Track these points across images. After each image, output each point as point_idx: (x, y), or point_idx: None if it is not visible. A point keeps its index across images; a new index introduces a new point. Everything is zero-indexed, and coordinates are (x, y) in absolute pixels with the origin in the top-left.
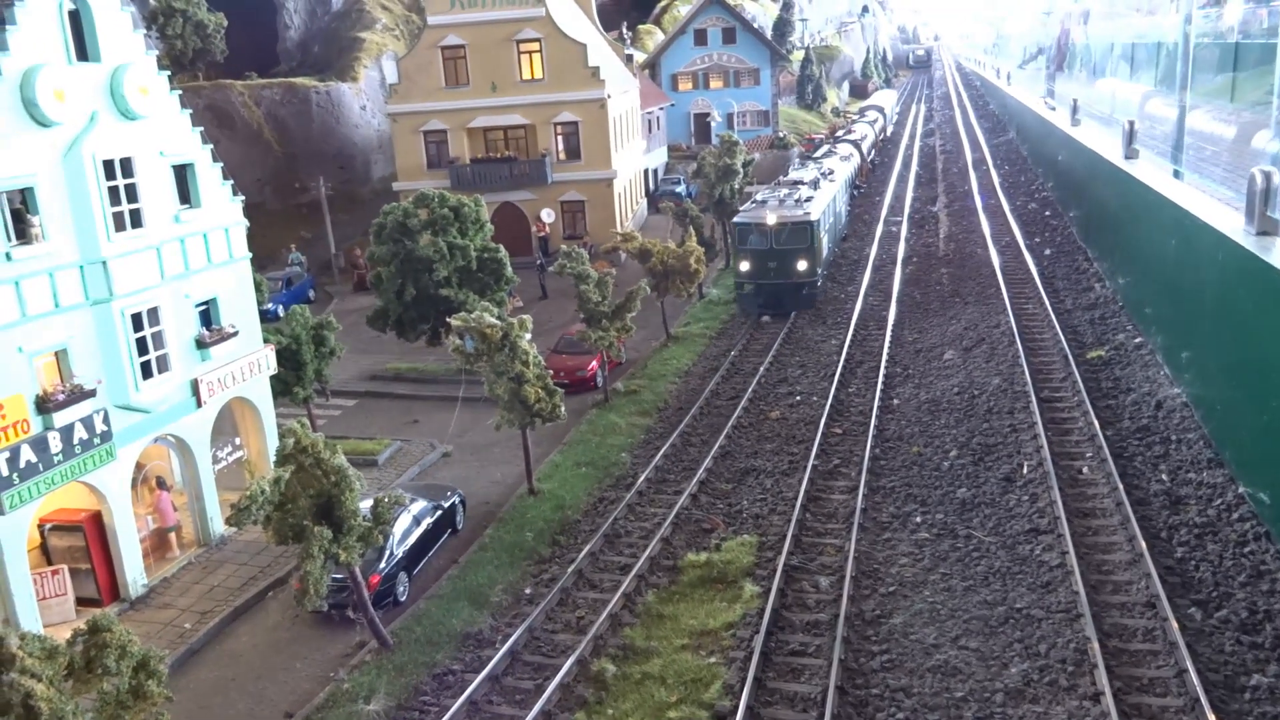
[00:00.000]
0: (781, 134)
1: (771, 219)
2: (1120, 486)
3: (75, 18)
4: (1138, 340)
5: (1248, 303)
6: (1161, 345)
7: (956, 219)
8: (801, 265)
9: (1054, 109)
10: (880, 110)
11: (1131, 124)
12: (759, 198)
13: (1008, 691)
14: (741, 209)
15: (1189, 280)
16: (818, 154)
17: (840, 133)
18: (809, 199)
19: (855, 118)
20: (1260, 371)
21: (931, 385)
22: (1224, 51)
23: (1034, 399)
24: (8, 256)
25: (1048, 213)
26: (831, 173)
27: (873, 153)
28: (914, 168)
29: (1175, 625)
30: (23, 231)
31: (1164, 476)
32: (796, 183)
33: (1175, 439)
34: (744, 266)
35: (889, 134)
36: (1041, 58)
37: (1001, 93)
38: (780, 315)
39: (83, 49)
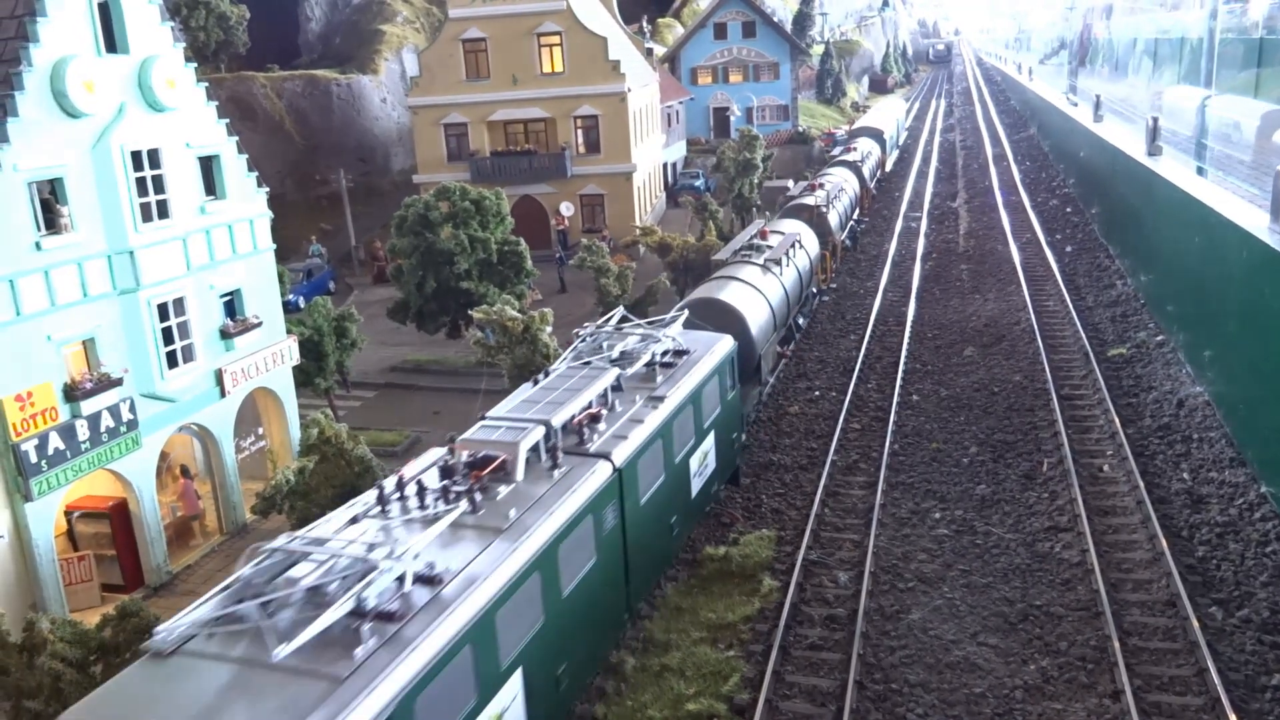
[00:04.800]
0: (801, 128)
1: None
2: (1141, 485)
3: (104, 10)
4: (1160, 338)
5: (1272, 301)
6: (1184, 343)
7: (977, 215)
8: None
9: (1076, 105)
10: (877, 137)
11: (1155, 120)
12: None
13: (1027, 688)
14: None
15: (1212, 278)
16: (732, 250)
17: (797, 188)
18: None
19: (836, 151)
20: None
21: (951, 382)
22: (1248, 47)
23: (1054, 396)
24: (37, 246)
25: (1069, 209)
26: (661, 395)
27: (854, 218)
28: (934, 163)
29: (1196, 624)
30: (52, 221)
31: (1185, 475)
32: (477, 465)
33: (1197, 437)
34: None
35: (889, 168)
36: (1064, 53)
37: (1022, 88)
38: None
39: (112, 41)
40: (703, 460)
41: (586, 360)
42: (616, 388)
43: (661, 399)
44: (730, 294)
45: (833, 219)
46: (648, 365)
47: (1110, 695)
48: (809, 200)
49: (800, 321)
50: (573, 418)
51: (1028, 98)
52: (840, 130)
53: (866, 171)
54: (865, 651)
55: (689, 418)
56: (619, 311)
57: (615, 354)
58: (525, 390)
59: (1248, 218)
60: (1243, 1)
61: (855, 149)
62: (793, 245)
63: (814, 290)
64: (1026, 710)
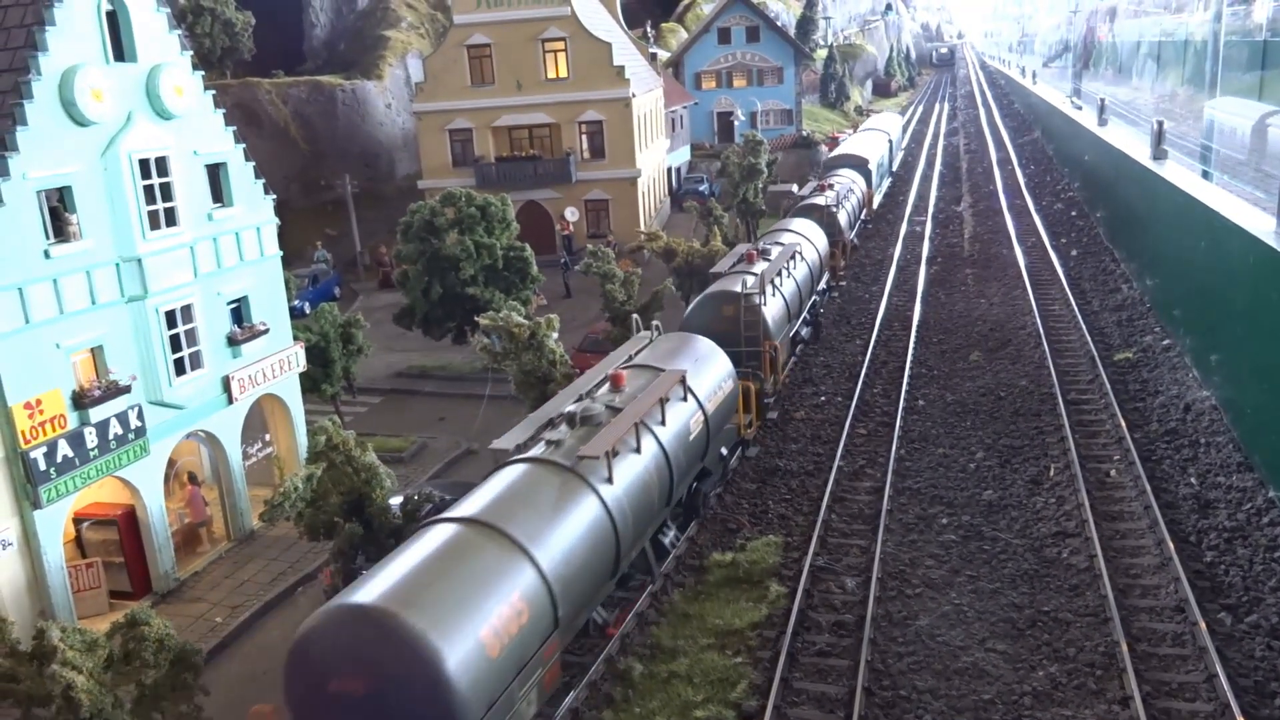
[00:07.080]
0: (805, 132)
1: None
2: (1148, 489)
3: (113, 18)
4: (1166, 342)
5: (1279, 304)
6: (1190, 347)
7: (981, 219)
8: None
9: (1080, 108)
10: (860, 168)
11: (1160, 124)
12: None
13: (1036, 694)
14: None
15: (1219, 282)
16: (542, 419)
17: (729, 259)
18: None
19: (806, 190)
20: None
21: (957, 386)
22: (1253, 49)
23: (1061, 401)
24: (46, 254)
25: (1074, 213)
26: None
27: (818, 291)
28: (938, 167)
29: (1205, 629)
30: (61, 230)
31: (1193, 480)
32: None
33: (1204, 442)
34: None
35: (878, 204)
36: (1067, 56)
37: (1026, 91)
38: None
39: (120, 49)
40: None
41: None
42: None
43: None
44: (412, 600)
45: (771, 313)
46: None
47: (1119, 701)
48: (734, 286)
49: (665, 541)
50: None
51: (1031, 101)
52: (843, 135)
53: (843, 219)
54: (873, 658)
55: None
56: None
57: None
58: None
59: (1254, 222)
60: (1247, 4)
61: (831, 186)
62: (665, 400)
63: (722, 451)
64: (1035, 716)
